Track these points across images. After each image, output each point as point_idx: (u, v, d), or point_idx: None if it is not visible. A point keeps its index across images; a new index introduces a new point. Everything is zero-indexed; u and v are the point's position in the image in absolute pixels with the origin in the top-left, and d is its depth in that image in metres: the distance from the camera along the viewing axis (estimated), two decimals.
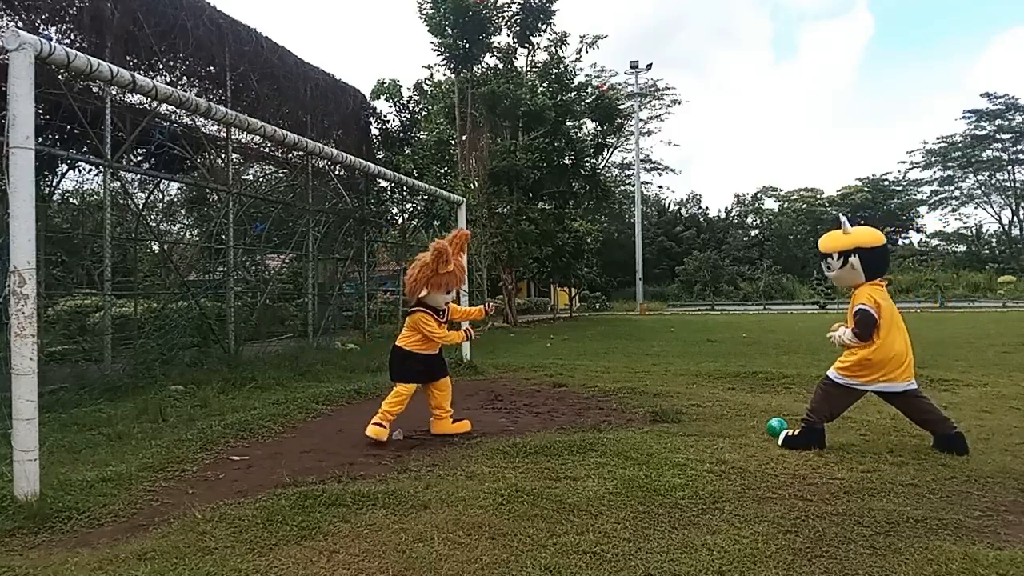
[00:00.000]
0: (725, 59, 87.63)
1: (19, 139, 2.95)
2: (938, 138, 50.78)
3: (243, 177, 11.99)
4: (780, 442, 3.89)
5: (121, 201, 9.36)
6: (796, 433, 3.90)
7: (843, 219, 3.98)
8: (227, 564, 2.35)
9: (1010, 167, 48.74)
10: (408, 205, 18.21)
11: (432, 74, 19.46)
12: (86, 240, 8.55)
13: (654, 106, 44.87)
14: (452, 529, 2.64)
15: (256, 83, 10.68)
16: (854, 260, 3.80)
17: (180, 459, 3.85)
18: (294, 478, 3.42)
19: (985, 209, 51.33)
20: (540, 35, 18.73)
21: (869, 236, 3.86)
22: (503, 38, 18.31)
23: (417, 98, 19.40)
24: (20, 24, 7.81)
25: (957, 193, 52.02)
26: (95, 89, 8.02)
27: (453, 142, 18.74)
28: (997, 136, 47.80)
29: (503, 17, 17.72)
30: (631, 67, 35.85)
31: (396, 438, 4.43)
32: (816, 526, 2.66)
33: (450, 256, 4.43)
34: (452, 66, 17.35)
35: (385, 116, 18.11)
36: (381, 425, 4.35)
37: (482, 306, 5.00)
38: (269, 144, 11.25)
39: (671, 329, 17.15)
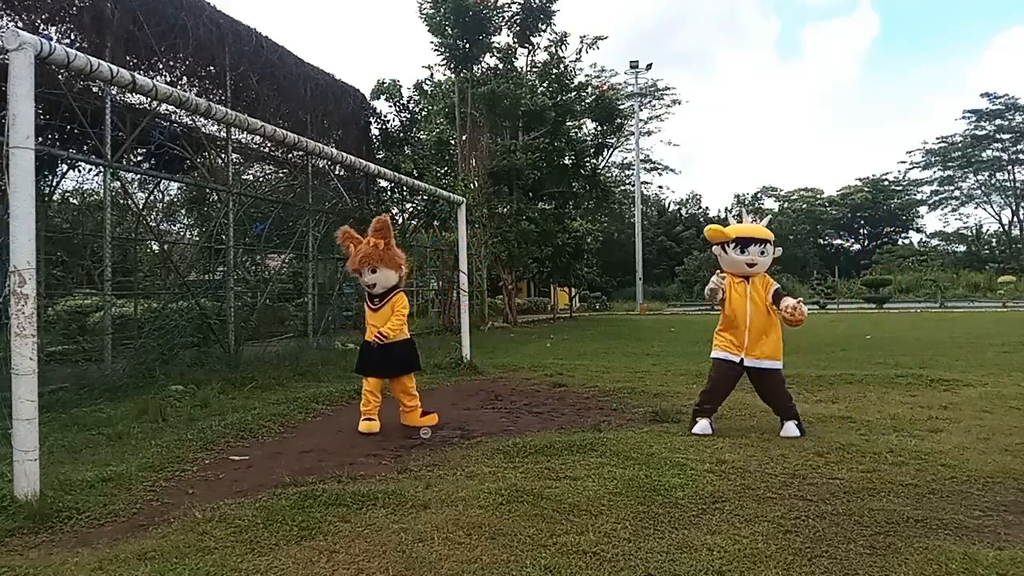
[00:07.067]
0: (725, 59, 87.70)
1: (19, 139, 2.95)
2: (938, 138, 50.85)
3: (243, 177, 11.98)
4: None
5: (121, 201, 9.35)
6: None
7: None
8: (227, 564, 2.35)
9: (1010, 167, 48.77)
10: (408, 205, 18.22)
11: (432, 74, 19.53)
12: (86, 240, 8.52)
13: (654, 106, 44.86)
14: (452, 529, 2.64)
15: (256, 83, 10.67)
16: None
17: (180, 459, 3.85)
18: (294, 478, 3.42)
19: (985, 209, 51.40)
20: (540, 35, 18.75)
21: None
22: (503, 38, 18.33)
23: (417, 98, 19.44)
24: (20, 24, 7.79)
25: (957, 193, 52.07)
26: (95, 89, 8.00)
27: (453, 142, 18.74)
28: (997, 136, 47.83)
29: (503, 17, 17.73)
30: (631, 67, 35.80)
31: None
32: (816, 526, 2.66)
33: (347, 238, 4.91)
34: (452, 66, 17.35)
35: (385, 116, 18.14)
36: (427, 412, 4.77)
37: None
38: (269, 144, 11.24)
39: (671, 329, 17.13)
